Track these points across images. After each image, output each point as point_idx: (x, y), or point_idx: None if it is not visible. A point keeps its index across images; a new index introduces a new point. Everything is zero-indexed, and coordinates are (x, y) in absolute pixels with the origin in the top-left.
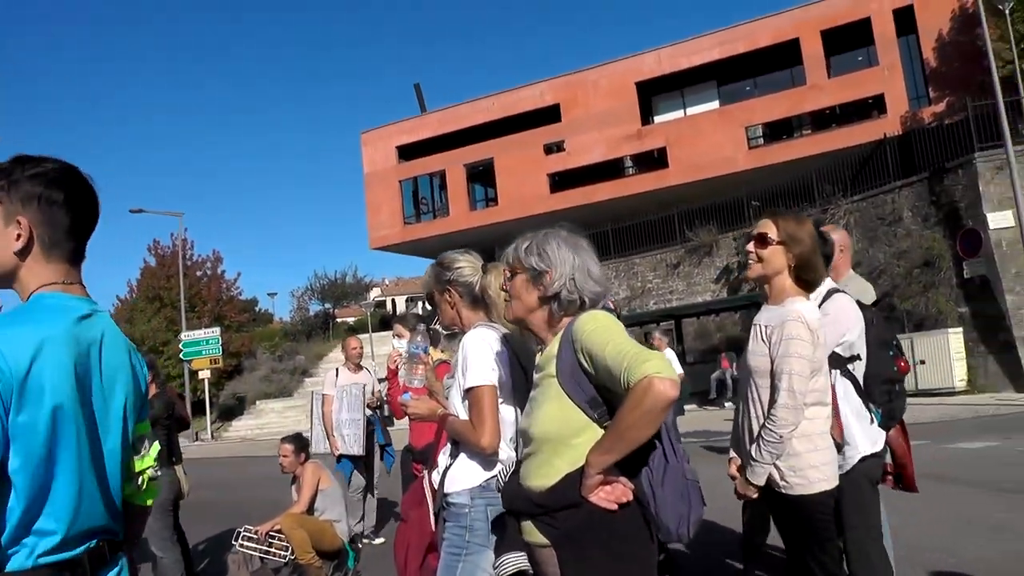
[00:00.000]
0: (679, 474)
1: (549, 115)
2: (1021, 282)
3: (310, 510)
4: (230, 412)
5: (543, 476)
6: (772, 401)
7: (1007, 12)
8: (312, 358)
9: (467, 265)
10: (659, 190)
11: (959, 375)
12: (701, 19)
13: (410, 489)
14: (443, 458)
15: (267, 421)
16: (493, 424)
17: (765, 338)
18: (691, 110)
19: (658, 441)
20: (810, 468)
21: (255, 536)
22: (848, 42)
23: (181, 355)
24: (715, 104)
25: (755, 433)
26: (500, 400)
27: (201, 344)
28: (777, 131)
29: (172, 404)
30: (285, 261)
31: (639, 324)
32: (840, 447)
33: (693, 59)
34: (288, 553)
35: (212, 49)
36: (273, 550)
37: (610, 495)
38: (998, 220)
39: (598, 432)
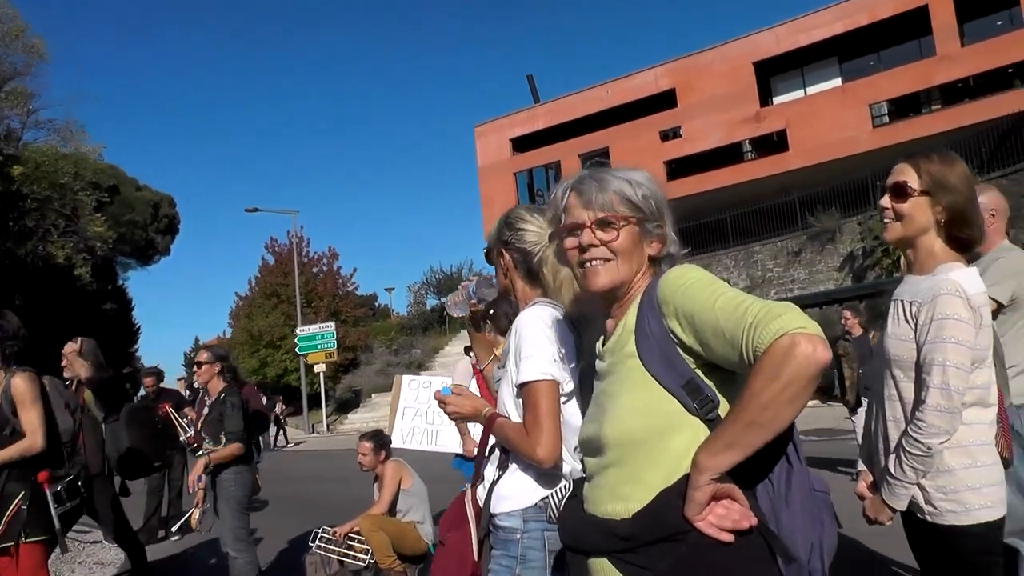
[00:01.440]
0: (807, 484)
1: (664, 101)
2: None
3: (392, 511)
4: (346, 405)
5: (625, 497)
6: (918, 401)
7: None
8: (428, 352)
9: (533, 227)
10: (779, 174)
11: None
12: None
13: (450, 506)
14: (490, 469)
15: (382, 414)
16: (553, 429)
17: (910, 317)
18: (811, 89)
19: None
20: (967, 490)
21: (333, 538)
22: (986, 4)
23: (296, 349)
24: (837, 81)
25: (893, 442)
26: (563, 399)
27: (316, 339)
28: (904, 107)
29: (245, 402)
30: (403, 257)
31: None
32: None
33: (813, 35)
34: (368, 556)
35: (321, 46)
36: (353, 553)
37: (725, 519)
38: None
39: (701, 431)
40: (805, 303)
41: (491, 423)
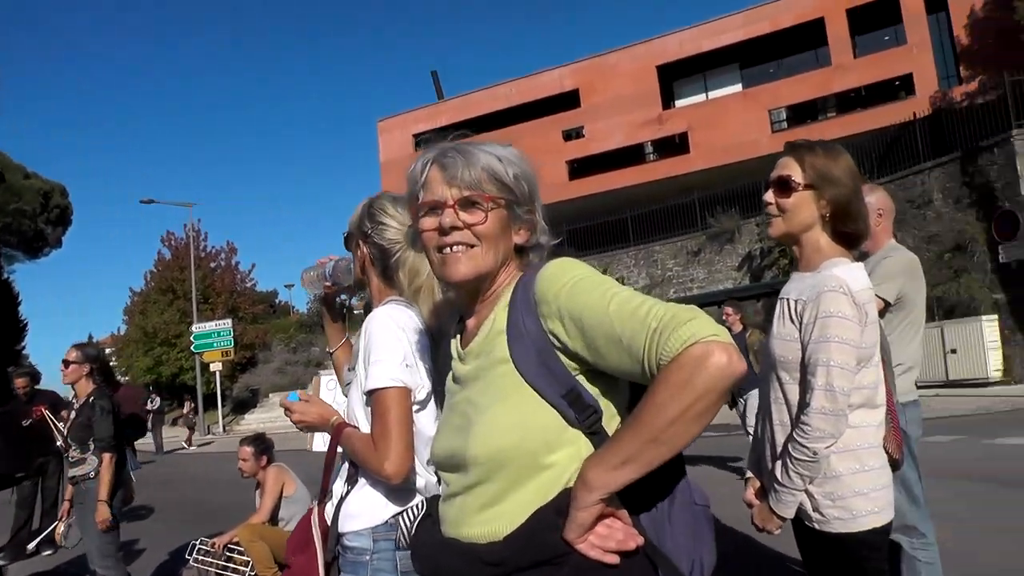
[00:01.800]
0: (688, 498)
1: (568, 101)
2: None
3: (275, 519)
4: (243, 405)
5: (494, 518)
6: (803, 404)
7: None
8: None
9: (395, 224)
10: (680, 176)
11: (994, 365)
12: (723, 0)
13: (296, 526)
14: (339, 484)
15: (280, 414)
16: (402, 442)
17: (795, 316)
18: (713, 93)
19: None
20: (855, 496)
21: (212, 550)
22: (875, 21)
23: (192, 347)
24: (738, 87)
25: (780, 447)
26: (416, 408)
27: (212, 336)
28: (802, 114)
29: (117, 406)
30: (303, 253)
31: None
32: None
33: (715, 41)
34: (248, 568)
35: (224, 38)
36: (232, 565)
37: (608, 539)
38: None
39: (583, 445)
40: (705, 302)
41: (338, 433)
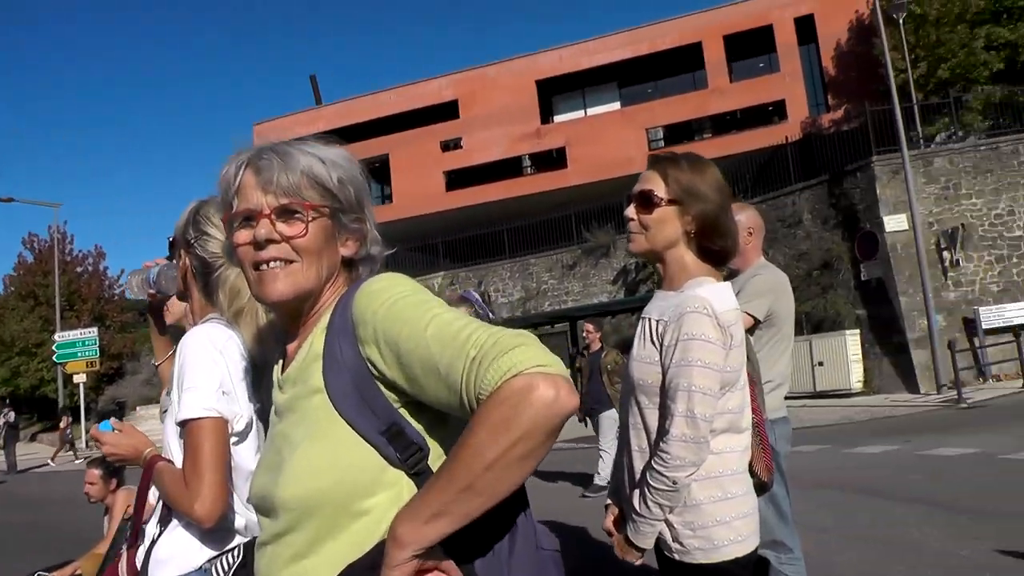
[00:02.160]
0: (532, 543)
1: (447, 111)
2: (914, 284)
3: None
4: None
5: (302, 573)
6: (663, 431)
7: (900, 22)
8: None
9: (218, 236)
10: (557, 190)
11: (856, 377)
12: (605, 20)
13: (105, 573)
14: (151, 526)
15: (148, 428)
16: (215, 480)
17: (656, 337)
18: (592, 110)
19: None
20: (717, 525)
21: None
22: (750, 48)
23: (54, 357)
24: (616, 105)
25: (639, 474)
26: (235, 440)
27: (77, 346)
28: (678, 134)
29: None
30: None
31: (534, 327)
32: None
33: (595, 59)
34: None
35: (97, 27)
36: None
37: None
38: (893, 223)
39: (406, 487)
40: (579, 315)
41: (149, 468)
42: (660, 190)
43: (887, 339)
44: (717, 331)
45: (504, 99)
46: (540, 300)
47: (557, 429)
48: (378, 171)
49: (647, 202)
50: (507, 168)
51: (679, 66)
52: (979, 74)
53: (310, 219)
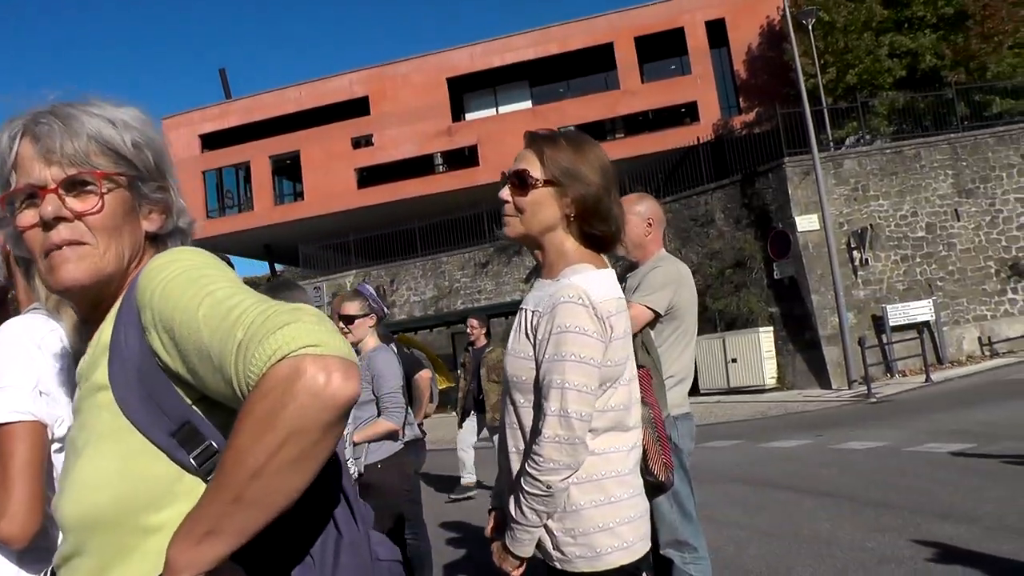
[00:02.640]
0: (366, 555)
1: (358, 107)
2: (825, 283)
3: None
4: None
5: None
6: (536, 431)
7: (810, 28)
8: None
9: None
10: (469, 188)
11: (769, 373)
12: (516, 19)
13: None
14: None
15: None
16: (27, 492)
17: (531, 330)
18: (503, 109)
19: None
20: (599, 532)
21: None
22: (662, 50)
23: None
24: (528, 104)
25: (516, 477)
26: (56, 447)
27: None
28: (590, 133)
29: None
30: None
31: (446, 324)
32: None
33: (506, 57)
34: None
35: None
36: None
37: None
38: (805, 223)
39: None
40: (492, 313)
41: None
42: (536, 170)
43: (800, 336)
44: (594, 322)
45: (415, 96)
46: (453, 299)
47: (333, 424)
48: (289, 167)
49: (522, 183)
50: (419, 166)
51: (591, 66)
52: (884, 80)
53: (104, 191)
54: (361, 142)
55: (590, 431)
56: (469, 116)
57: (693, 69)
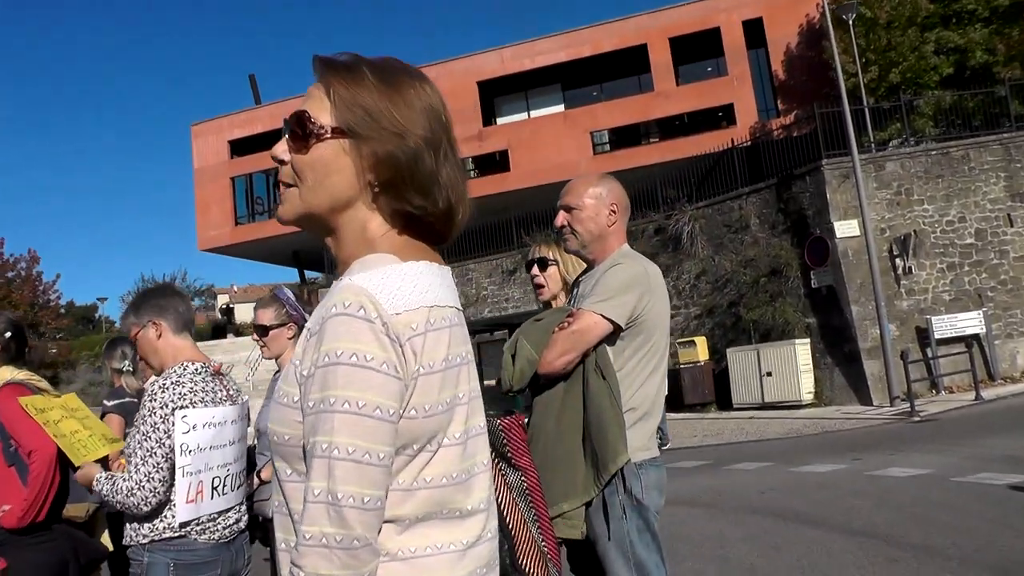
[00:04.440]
0: None
1: None
2: (865, 293)
3: None
4: None
5: None
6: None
7: (851, 24)
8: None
9: None
10: (498, 194)
11: (806, 387)
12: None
13: None
14: None
15: None
16: None
17: (297, 363)
18: (535, 113)
19: None
20: None
21: None
22: (697, 51)
23: None
24: (560, 107)
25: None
26: None
27: None
28: (624, 137)
29: None
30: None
31: (473, 333)
32: None
33: (537, 60)
34: None
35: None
36: None
37: None
38: (844, 229)
39: None
40: (519, 322)
41: None
42: (322, 113)
43: (838, 349)
44: (380, 345)
45: (446, 100)
46: (480, 307)
47: None
48: None
49: (302, 132)
50: None
51: (624, 68)
52: (929, 78)
53: None
54: None
55: (389, 522)
56: (500, 120)
57: (730, 70)
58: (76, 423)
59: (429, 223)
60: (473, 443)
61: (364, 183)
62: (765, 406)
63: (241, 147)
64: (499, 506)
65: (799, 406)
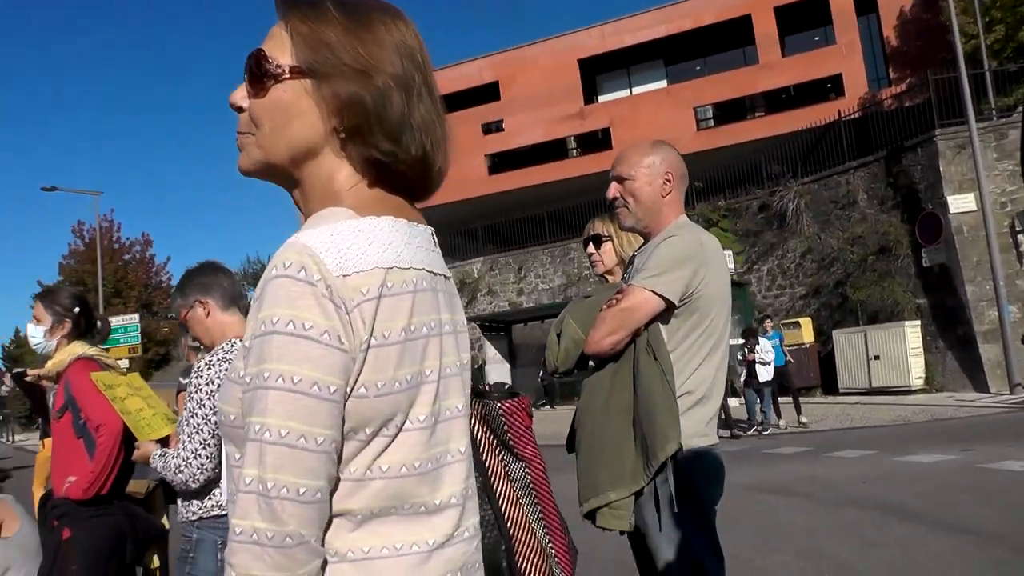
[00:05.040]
0: None
1: (488, 93)
2: (982, 272)
3: None
4: None
5: None
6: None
7: None
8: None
9: None
10: (602, 172)
11: (916, 372)
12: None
13: None
14: None
15: None
16: None
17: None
18: (637, 89)
19: None
20: None
21: None
22: (804, 20)
23: None
24: (663, 83)
25: None
26: None
27: (118, 332)
28: (728, 112)
29: None
30: (227, 244)
31: None
32: None
33: (638, 36)
34: None
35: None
36: None
37: None
38: (959, 204)
39: None
40: None
41: None
42: (282, 52)
43: (951, 331)
44: (322, 311)
45: (546, 80)
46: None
47: None
48: None
49: (259, 73)
50: (551, 150)
51: (728, 41)
52: None
53: None
54: (491, 128)
55: (339, 517)
56: (602, 98)
57: (838, 39)
58: (141, 401)
59: (402, 172)
60: (445, 428)
61: (329, 128)
62: (872, 391)
63: None
64: (497, 501)
65: (908, 392)
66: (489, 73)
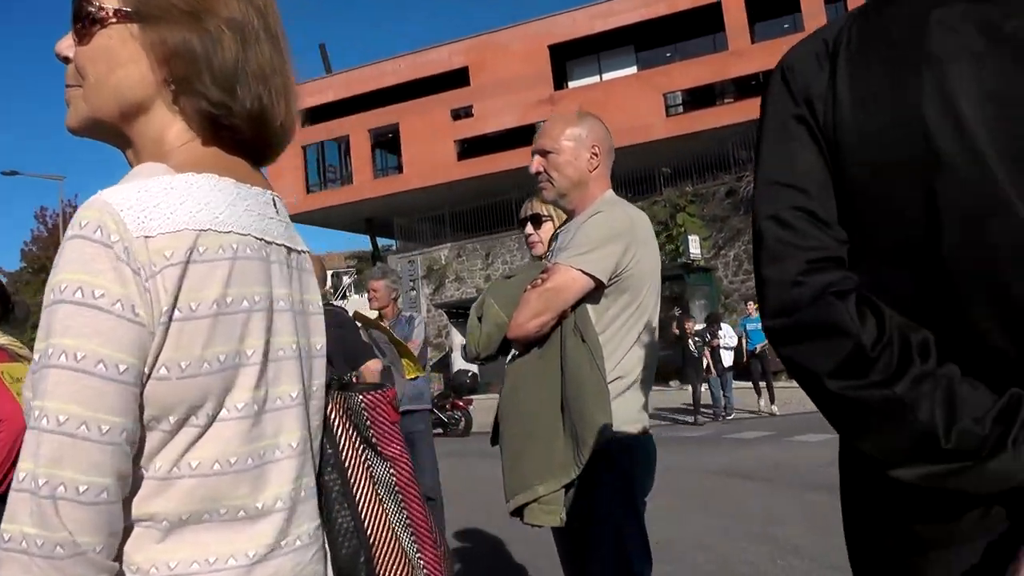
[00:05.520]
0: None
1: (457, 79)
2: None
3: None
4: None
5: None
6: None
7: None
8: None
9: None
10: None
11: None
12: None
13: None
14: None
15: None
16: None
17: None
18: (607, 75)
19: None
20: None
21: None
22: (773, 8)
23: None
24: (633, 69)
25: None
26: None
27: None
28: (698, 98)
29: None
30: None
31: None
32: None
33: (608, 22)
34: None
35: None
36: None
37: None
38: None
39: None
40: None
41: None
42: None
43: None
44: (117, 277)
45: (516, 65)
46: None
47: None
48: (389, 141)
49: (83, 17)
50: (521, 136)
51: (698, 28)
52: None
53: None
54: (461, 114)
55: (142, 523)
56: (572, 84)
57: (807, 26)
58: None
59: (236, 127)
60: (273, 419)
61: (160, 80)
62: None
63: (312, 116)
64: (358, 505)
65: None
66: (459, 59)
